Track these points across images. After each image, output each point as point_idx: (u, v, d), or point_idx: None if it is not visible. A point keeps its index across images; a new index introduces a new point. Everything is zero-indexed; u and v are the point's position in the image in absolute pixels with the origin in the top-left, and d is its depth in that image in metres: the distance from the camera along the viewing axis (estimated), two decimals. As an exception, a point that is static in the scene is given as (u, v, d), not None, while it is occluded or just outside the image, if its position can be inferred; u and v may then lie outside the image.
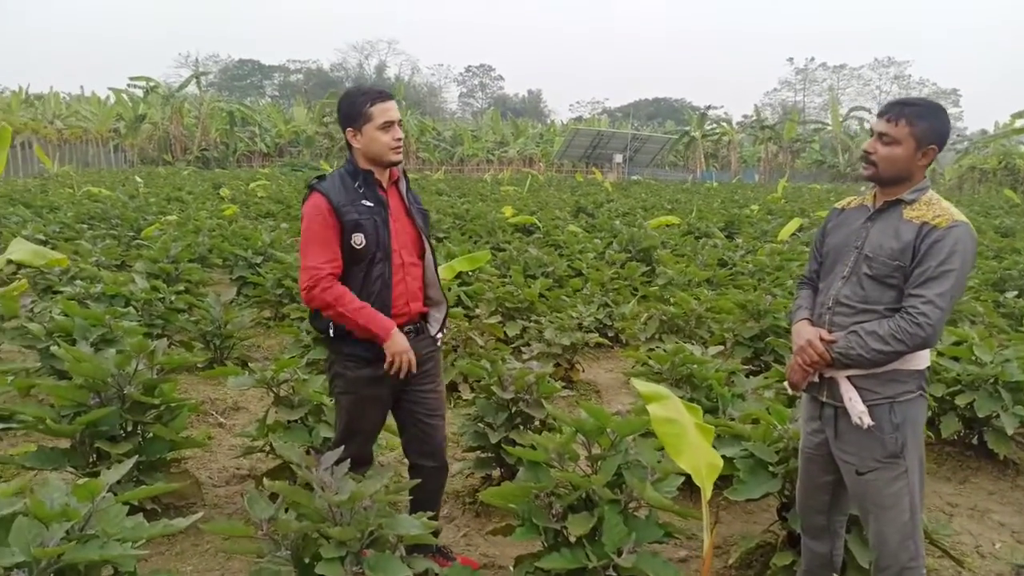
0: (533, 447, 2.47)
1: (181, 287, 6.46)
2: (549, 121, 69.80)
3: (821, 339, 2.27)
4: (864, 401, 2.22)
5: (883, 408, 2.22)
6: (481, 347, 5.23)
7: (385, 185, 2.70)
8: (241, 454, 3.65)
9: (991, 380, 4.04)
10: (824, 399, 2.34)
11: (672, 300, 6.60)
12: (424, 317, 2.82)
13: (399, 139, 2.63)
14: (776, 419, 2.96)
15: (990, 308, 6.37)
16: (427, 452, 2.84)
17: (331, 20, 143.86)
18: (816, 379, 2.35)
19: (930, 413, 4.05)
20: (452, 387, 5.08)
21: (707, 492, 2.33)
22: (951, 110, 57.42)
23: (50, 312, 4.89)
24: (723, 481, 2.65)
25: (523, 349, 5.12)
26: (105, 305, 5.23)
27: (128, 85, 42.78)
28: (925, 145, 2.20)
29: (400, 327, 2.66)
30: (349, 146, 2.67)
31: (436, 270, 2.84)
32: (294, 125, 47.89)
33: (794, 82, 78.75)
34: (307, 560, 2.01)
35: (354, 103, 2.59)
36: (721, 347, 4.61)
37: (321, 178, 2.67)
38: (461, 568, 2.16)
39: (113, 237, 9.76)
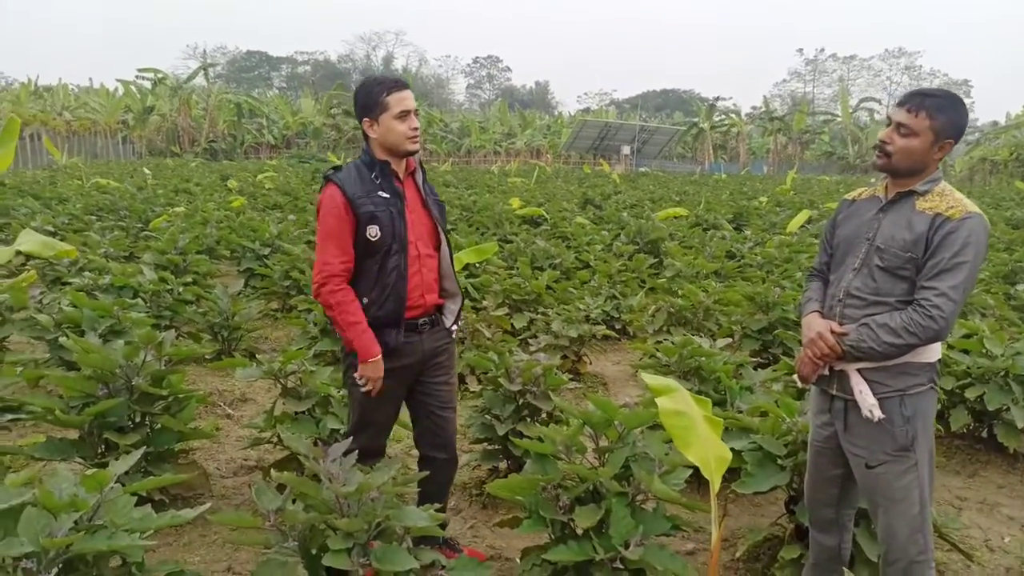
0: (540, 439, 2.47)
1: (189, 278, 6.49)
2: (557, 113, 69.63)
3: (832, 332, 2.25)
4: (875, 394, 2.20)
5: (894, 401, 2.20)
6: (488, 339, 5.23)
7: (402, 176, 2.69)
8: (249, 445, 3.66)
9: (1001, 373, 4.02)
10: (834, 392, 2.32)
11: (680, 292, 6.59)
12: (439, 309, 2.81)
13: (416, 128, 2.61)
14: (785, 412, 2.95)
15: (1001, 301, 6.31)
16: (439, 444, 2.84)
17: (338, 11, 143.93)
18: (826, 372, 2.33)
19: (940, 406, 4.02)
20: (460, 379, 5.08)
21: (716, 485, 2.32)
22: (962, 101, 56.82)
23: (59, 303, 4.92)
24: (731, 474, 2.64)
25: (530, 341, 5.12)
26: (113, 296, 5.26)
27: (136, 77, 42.86)
28: (943, 139, 2.16)
29: (415, 319, 2.67)
30: (366, 137, 2.65)
31: (452, 262, 2.84)
32: (301, 117, 47.89)
33: (804, 73, 78.46)
34: (314, 551, 2.01)
35: (371, 93, 2.58)
36: (729, 339, 4.58)
37: (337, 168, 2.65)
38: (468, 560, 2.15)
39: (121, 228, 9.81)
